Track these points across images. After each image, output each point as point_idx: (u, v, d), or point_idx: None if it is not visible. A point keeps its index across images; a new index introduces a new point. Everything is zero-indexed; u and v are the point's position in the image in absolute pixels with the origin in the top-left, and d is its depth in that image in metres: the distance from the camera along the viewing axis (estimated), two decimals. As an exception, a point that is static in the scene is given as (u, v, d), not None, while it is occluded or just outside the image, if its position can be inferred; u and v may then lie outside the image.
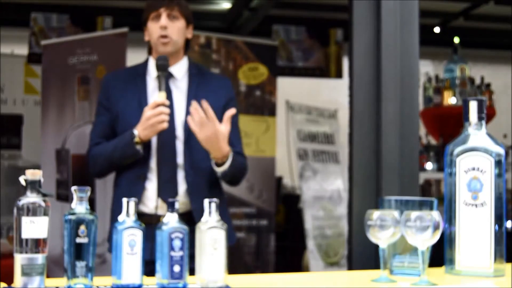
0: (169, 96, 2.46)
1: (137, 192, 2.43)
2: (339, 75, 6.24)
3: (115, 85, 2.57)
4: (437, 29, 6.72)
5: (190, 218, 2.32)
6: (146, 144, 2.45)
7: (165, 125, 2.38)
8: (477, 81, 5.47)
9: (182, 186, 2.46)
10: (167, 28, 2.48)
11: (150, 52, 2.62)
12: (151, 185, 2.45)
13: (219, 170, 2.42)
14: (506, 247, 1.84)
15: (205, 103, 2.35)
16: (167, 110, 2.38)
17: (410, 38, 2.67)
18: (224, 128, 2.37)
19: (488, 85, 5.49)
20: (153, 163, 2.46)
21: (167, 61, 2.45)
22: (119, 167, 2.53)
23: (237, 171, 2.50)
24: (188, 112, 2.42)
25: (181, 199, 2.43)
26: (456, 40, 5.49)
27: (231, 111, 2.42)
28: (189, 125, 2.38)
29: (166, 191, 2.41)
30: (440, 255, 1.89)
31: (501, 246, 1.82)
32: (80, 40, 4.57)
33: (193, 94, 2.51)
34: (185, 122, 2.44)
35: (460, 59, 5.37)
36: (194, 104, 2.35)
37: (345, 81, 4.56)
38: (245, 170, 2.60)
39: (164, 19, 2.48)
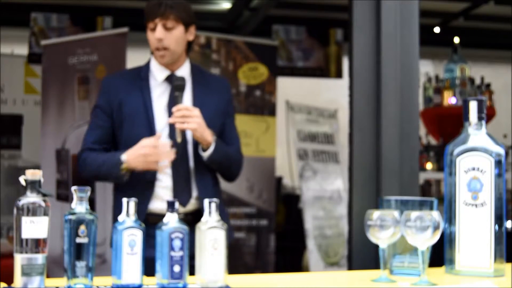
0: (176, 101, 2.44)
1: (147, 196, 2.43)
2: (339, 75, 6.25)
3: (117, 89, 2.51)
4: (437, 29, 6.72)
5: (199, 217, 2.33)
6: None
7: (156, 166, 2.39)
8: (477, 81, 5.46)
9: (194, 192, 2.47)
10: (162, 40, 2.45)
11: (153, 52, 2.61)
12: (166, 188, 2.45)
13: (205, 154, 2.44)
14: (506, 247, 1.84)
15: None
16: (167, 149, 2.38)
17: (410, 38, 2.67)
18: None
19: (488, 85, 5.49)
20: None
21: (184, 81, 2.45)
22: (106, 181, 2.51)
23: (224, 159, 2.51)
24: None
25: (192, 201, 2.46)
26: (456, 40, 5.49)
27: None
28: (176, 125, 2.38)
29: (181, 194, 2.43)
30: (440, 255, 1.89)
31: (501, 246, 1.82)
32: (80, 40, 4.57)
33: (199, 98, 2.51)
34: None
35: (460, 59, 5.37)
36: (175, 107, 2.39)
37: (345, 81, 4.56)
38: (237, 162, 2.61)
39: (159, 31, 2.44)
